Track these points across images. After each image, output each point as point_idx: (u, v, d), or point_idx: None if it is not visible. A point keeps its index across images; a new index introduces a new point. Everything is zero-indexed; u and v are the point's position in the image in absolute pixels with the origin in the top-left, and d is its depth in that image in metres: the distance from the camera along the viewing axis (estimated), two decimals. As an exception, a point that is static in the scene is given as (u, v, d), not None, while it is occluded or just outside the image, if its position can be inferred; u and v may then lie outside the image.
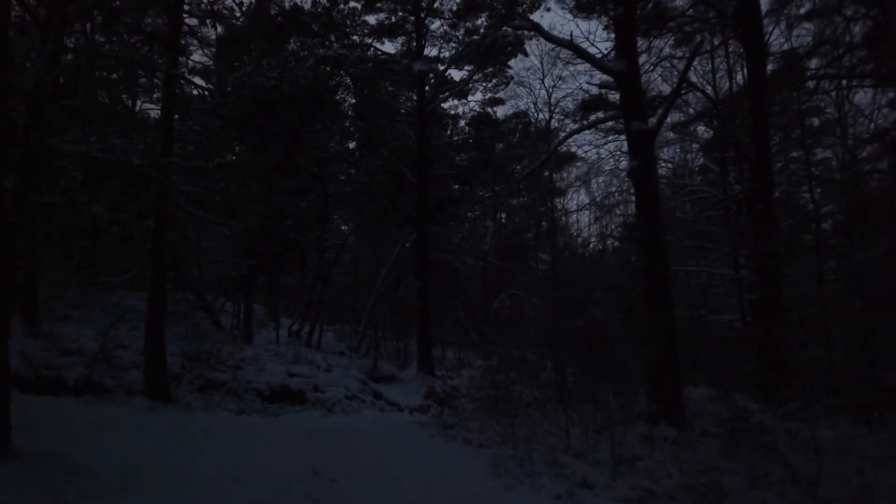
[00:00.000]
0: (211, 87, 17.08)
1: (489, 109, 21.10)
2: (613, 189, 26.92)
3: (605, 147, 22.75)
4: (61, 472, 5.38)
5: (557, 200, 28.28)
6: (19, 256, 12.38)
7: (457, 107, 21.25)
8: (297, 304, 22.17)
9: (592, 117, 14.71)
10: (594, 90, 17.85)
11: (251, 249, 16.07)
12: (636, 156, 8.70)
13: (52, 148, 10.00)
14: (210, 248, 18.46)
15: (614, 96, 18.20)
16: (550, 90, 26.60)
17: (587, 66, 13.16)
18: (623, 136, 19.00)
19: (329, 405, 13.21)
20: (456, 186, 21.76)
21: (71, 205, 13.90)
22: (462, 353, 23.94)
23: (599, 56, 10.96)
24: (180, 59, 15.25)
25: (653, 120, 9.22)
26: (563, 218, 25.74)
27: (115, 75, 18.41)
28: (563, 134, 14.84)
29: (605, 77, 9.82)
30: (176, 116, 14.17)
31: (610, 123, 16.03)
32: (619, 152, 20.62)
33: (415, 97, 19.50)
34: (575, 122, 18.52)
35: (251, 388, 12.73)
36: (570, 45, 8.86)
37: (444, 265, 24.46)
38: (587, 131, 17.58)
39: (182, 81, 13.67)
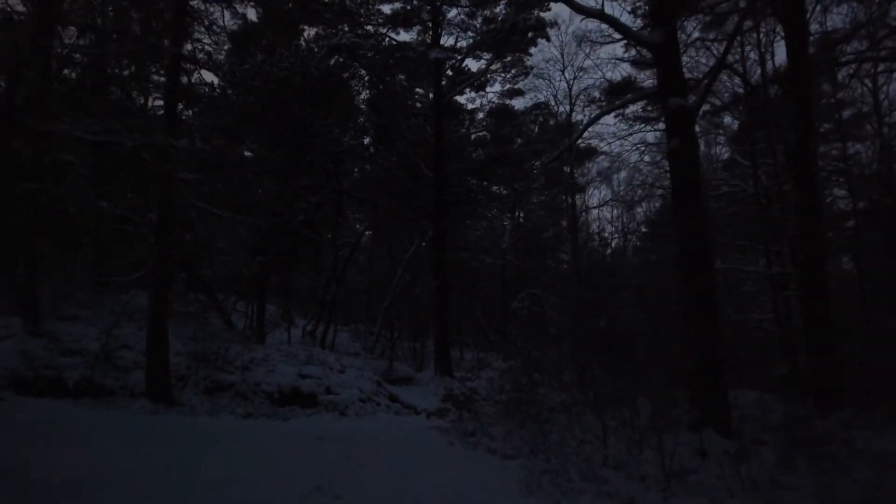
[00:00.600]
0: (219, 77, 16.47)
1: (508, 102, 20.31)
2: (636, 184, 25.98)
3: (629, 139, 21.72)
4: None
5: (578, 197, 27.37)
6: (17, 252, 11.92)
7: (474, 99, 20.53)
8: (312, 305, 21.61)
9: (619, 102, 13.81)
10: (618, 78, 17.08)
11: (262, 247, 15.46)
12: (675, 135, 7.88)
13: (39, 128, 9.41)
14: (222, 248, 17.89)
15: (643, 79, 17.38)
16: (571, 82, 25.65)
17: (610, 54, 12.33)
18: (648, 127, 18.20)
19: (342, 408, 12.54)
20: (474, 182, 20.99)
21: (77, 200, 13.44)
22: (479, 353, 23.20)
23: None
24: (188, 47, 14.71)
25: (692, 98, 8.40)
26: (584, 215, 24.89)
27: (126, 71, 18.01)
28: (588, 119, 13.96)
29: (630, 69, 9.04)
30: (181, 106, 13.63)
31: (637, 111, 15.20)
32: (642, 145, 19.78)
33: (431, 90, 18.79)
34: (600, 107, 17.62)
35: (260, 390, 12.11)
36: (602, 15, 8.09)
37: (461, 264, 23.72)
38: (610, 124, 16.74)
39: (189, 65, 13.04)
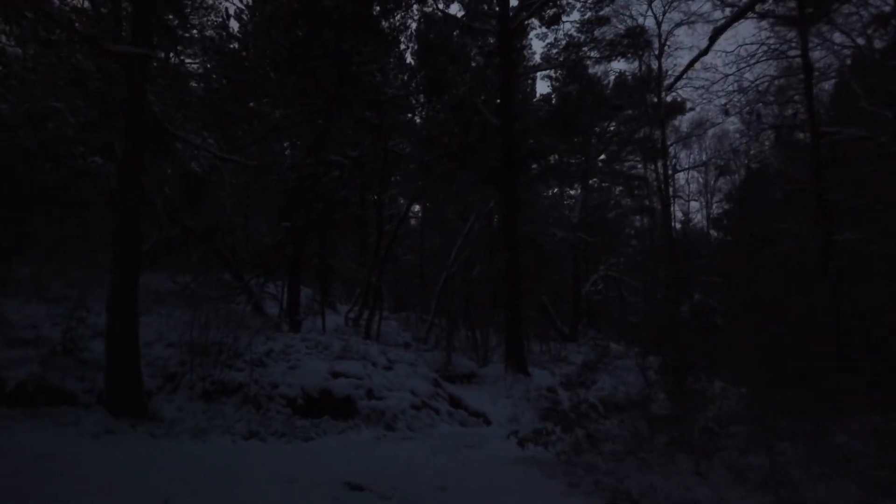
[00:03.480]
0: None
1: (584, 38, 16.36)
2: (736, 144, 21.61)
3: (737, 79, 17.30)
4: None
5: (661, 165, 23.07)
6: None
7: (545, 34, 16.65)
8: (355, 289, 18.42)
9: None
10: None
11: (289, 209, 12.22)
12: None
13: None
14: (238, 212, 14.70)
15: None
16: (661, 17, 21.08)
17: None
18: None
19: (388, 419, 9.19)
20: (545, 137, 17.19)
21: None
22: (545, 345, 19.53)
23: None
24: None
25: None
26: (670, 184, 20.70)
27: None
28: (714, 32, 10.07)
29: None
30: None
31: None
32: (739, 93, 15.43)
33: (493, 17, 15.08)
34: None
35: (278, 394, 8.83)
36: None
37: (527, 239, 20.04)
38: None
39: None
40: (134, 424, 6.79)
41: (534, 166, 17.59)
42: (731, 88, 15.10)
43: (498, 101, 15.07)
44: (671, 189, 19.00)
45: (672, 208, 19.30)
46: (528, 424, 11.61)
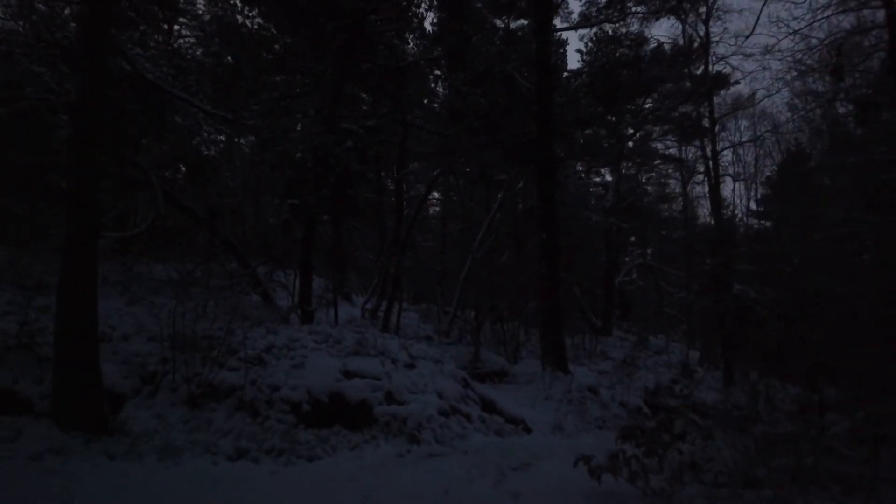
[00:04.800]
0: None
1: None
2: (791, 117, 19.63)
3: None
4: None
5: (707, 140, 21.11)
6: None
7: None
8: (373, 279, 16.90)
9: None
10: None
11: (297, 184, 10.67)
12: None
13: None
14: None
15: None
16: None
17: None
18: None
19: (412, 427, 7.65)
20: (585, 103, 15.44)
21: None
22: (575, 338, 17.85)
23: None
24: None
25: None
26: (710, 165, 18.63)
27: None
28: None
29: None
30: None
31: None
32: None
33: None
34: None
35: (279, 398, 7.31)
36: None
37: (558, 222, 18.28)
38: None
39: None
40: (89, 440, 5.29)
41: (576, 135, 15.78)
42: (799, 47, 13.09)
43: (533, 66, 13.36)
44: (713, 169, 17.00)
45: (719, 190, 17.34)
46: (573, 432, 10.04)
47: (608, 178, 24.65)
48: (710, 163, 16.78)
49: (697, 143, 20.25)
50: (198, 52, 13.48)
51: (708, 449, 4.70)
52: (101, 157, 6.26)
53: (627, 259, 25.07)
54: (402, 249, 14.97)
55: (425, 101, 15.74)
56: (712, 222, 17.60)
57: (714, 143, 16.86)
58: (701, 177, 26.76)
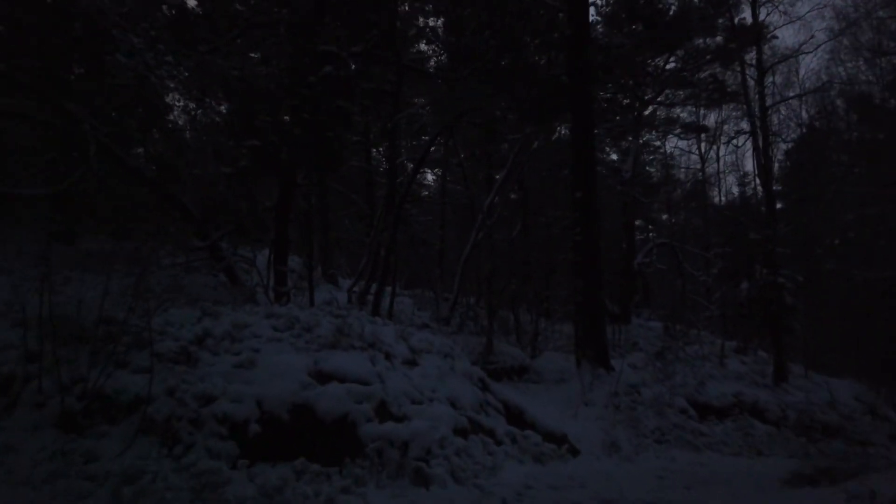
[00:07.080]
0: None
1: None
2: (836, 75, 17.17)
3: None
4: None
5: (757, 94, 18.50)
6: None
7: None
8: (361, 260, 14.21)
9: None
10: None
11: (255, 119, 7.95)
12: None
13: None
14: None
15: None
16: None
17: None
18: None
19: (416, 456, 5.10)
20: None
21: None
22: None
23: None
24: None
25: None
26: (756, 124, 15.96)
27: None
28: None
29: None
30: None
31: None
32: None
33: None
34: None
35: (212, 415, 4.68)
36: None
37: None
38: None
39: None
40: None
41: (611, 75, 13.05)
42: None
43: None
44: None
45: (769, 152, 14.82)
46: (631, 453, 7.50)
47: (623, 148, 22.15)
48: (758, 122, 14.24)
49: (732, 105, 17.69)
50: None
51: None
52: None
53: (650, 236, 22.52)
54: (395, 224, 12.33)
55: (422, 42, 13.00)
56: (770, 186, 14.93)
57: (762, 98, 14.31)
58: (721, 149, 24.45)
